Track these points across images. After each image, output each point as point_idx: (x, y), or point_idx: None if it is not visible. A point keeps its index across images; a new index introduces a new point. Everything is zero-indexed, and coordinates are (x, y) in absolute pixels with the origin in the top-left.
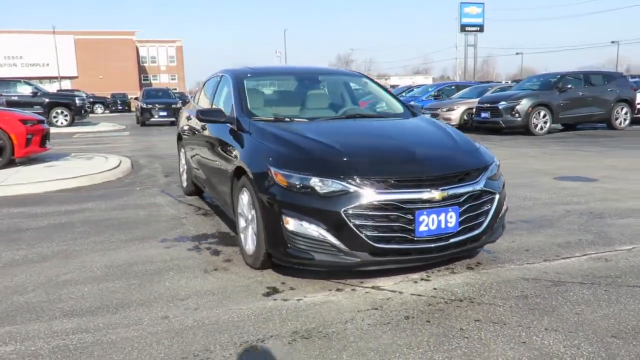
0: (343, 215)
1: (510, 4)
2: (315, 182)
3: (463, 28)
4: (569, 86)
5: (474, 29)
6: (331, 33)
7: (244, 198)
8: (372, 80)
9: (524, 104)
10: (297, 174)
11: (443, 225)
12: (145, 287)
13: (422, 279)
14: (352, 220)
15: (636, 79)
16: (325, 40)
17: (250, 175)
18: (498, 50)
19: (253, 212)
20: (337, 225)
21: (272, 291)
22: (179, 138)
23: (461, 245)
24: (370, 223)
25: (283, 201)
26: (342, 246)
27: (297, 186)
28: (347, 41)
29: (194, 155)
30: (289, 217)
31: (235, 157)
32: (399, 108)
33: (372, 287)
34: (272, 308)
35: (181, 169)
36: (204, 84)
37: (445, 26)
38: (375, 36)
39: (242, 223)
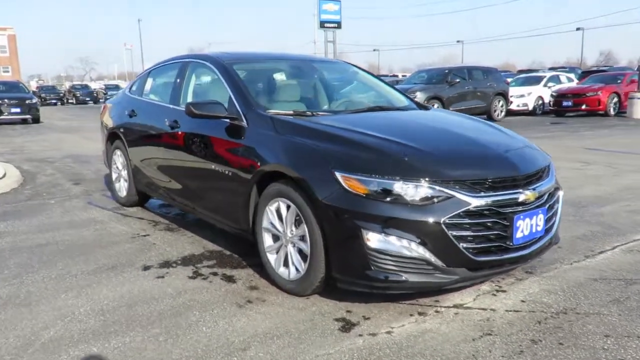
0: (443, 226)
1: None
2: (403, 187)
3: (322, 24)
4: (457, 80)
5: (332, 25)
6: (186, 25)
7: (279, 210)
8: (362, 69)
9: (419, 97)
10: (378, 178)
11: (534, 230)
12: (179, 338)
13: (496, 291)
14: (450, 231)
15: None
16: (180, 32)
17: (301, 182)
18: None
19: (297, 228)
20: (434, 239)
21: (346, 324)
22: (112, 138)
23: (544, 250)
24: (468, 233)
25: (361, 213)
26: (438, 263)
27: (380, 194)
28: (202, 34)
29: (149, 159)
30: (372, 232)
31: (256, 160)
32: (403, 99)
33: (455, 306)
34: (369, 348)
35: (114, 176)
36: (150, 73)
37: (305, 22)
38: (233, 30)
39: (268, 241)
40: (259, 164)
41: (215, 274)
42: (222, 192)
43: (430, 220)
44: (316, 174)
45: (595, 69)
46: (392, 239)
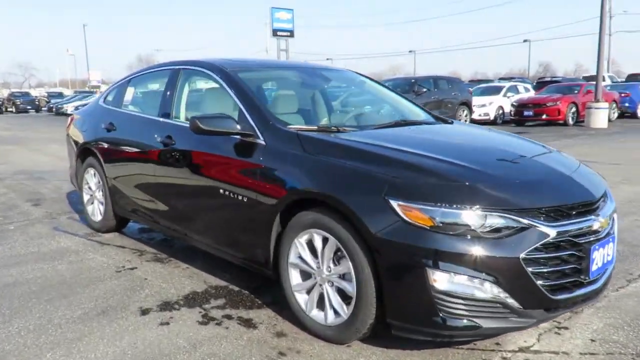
0: (521, 262)
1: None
2: (474, 217)
3: (275, 32)
4: (424, 90)
5: (285, 33)
6: (133, 32)
7: (312, 243)
8: (369, 78)
9: None
10: (444, 207)
11: (605, 260)
12: None
13: (557, 328)
14: (529, 268)
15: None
16: (127, 39)
17: (345, 211)
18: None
19: (337, 264)
20: (511, 277)
21: None
22: (83, 154)
23: (609, 281)
24: (545, 269)
25: (426, 249)
26: (515, 305)
27: (447, 225)
28: (150, 42)
29: (132, 179)
30: (439, 272)
31: (280, 184)
32: (419, 111)
33: (521, 350)
34: None
35: (86, 197)
36: (130, 82)
37: (257, 30)
38: (183, 38)
39: (296, 279)
40: (285, 189)
41: (229, 317)
42: (233, 220)
43: (507, 255)
44: (365, 202)
45: (549, 79)
46: (463, 278)
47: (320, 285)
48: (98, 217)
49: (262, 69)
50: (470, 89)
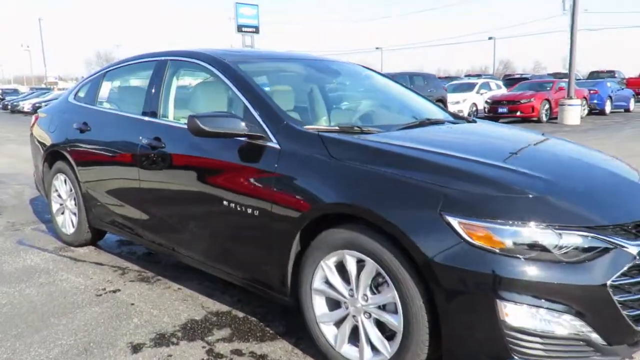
0: (609, 289)
1: (285, 8)
2: (552, 238)
3: (240, 28)
4: None
5: (250, 29)
6: (91, 27)
7: (344, 267)
8: (374, 70)
9: None
10: (516, 225)
11: None
12: None
13: None
14: (616, 296)
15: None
16: (85, 34)
17: (388, 229)
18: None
19: (376, 292)
20: (597, 308)
21: None
22: (52, 158)
23: None
24: (631, 296)
25: (496, 276)
26: (599, 341)
27: (520, 248)
28: (110, 37)
29: (112, 187)
30: (512, 304)
31: (302, 196)
32: (436, 108)
33: None
34: None
35: (55, 207)
36: (106, 75)
37: (222, 25)
38: (144, 32)
39: (321, 308)
40: (309, 202)
41: (239, 352)
42: (238, 236)
43: (592, 282)
44: (416, 218)
45: (518, 76)
46: (541, 312)
47: (354, 316)
48: (70, 229)
49: (263, 60)
50: (444, 85)
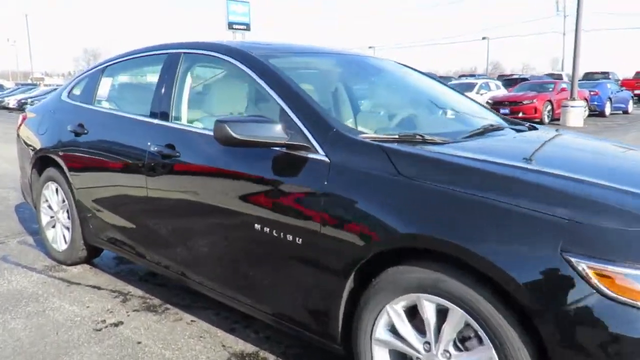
0: None
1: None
2: None
3: (230, 26)
4: None
5: (241, 27)
6: (79, 23)
7: (415, 313)
8: (413, 68)
9: None
10: None
11: None
12: None
13: None
14: None
15: None
16: (73, 30)
17: (486, 270)
18: None
19: (464, 348)
20: None
21: None
22: (42, 164)
23: None
24: None
25: None
26: None
27: None
28: (99, 34)
29: (113, 200)
30: None
31: (360, 223)
32: (489, 112)
33: None
34: None
35: (45, 219)
36: (105, 71)
37: (213, 22)
38: (134, 29)
39: None
40: (370, 231)
41: None
42: (272, 267)
43: None
44: (525, 259)
45: (517, 76)
46: None
47: None
48: (62, 246)
49: (294, 55)
50: None
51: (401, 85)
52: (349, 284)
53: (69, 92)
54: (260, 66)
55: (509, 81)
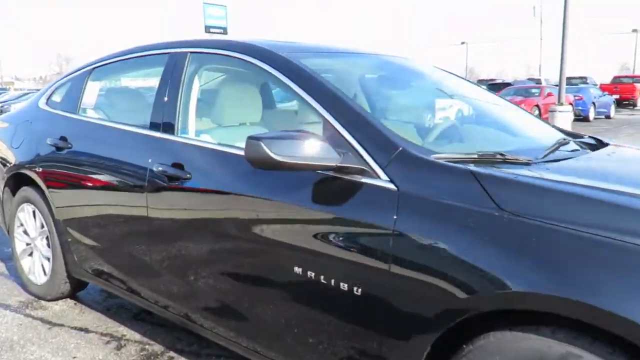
0: None
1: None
2: None
3: (207, 29)
4: None
5: (218, 31)
6: (51, 27)
7: None
8: (447, 71)
9: None
10: None
11: None
12: None
13: None
14: None
15: None
16: (45, 33)
17: None
18: None
19: None
20: None
21: None
22: (15, 183)
23: None
24: None
25: None
26: None
27: None
28: (73, 38)
29: (104, 226)
30: None
31: (451, 277)
32: (541, 122)
33: None
34: None
35: (20, 247)
36: (92, 74)
37: (189, 26)
38: (110, 33)
39: None
40: (464, 287)
41: None
42: (320, 325)
43: None
44: None
45: (500, 81)
46: None
47: None
48: (41, 278)
49: (324, 55)
50: None
51: (448, 92)
52: (426, 353)
53: (48, 99)
54: (293, 69)
55: (492, 86)
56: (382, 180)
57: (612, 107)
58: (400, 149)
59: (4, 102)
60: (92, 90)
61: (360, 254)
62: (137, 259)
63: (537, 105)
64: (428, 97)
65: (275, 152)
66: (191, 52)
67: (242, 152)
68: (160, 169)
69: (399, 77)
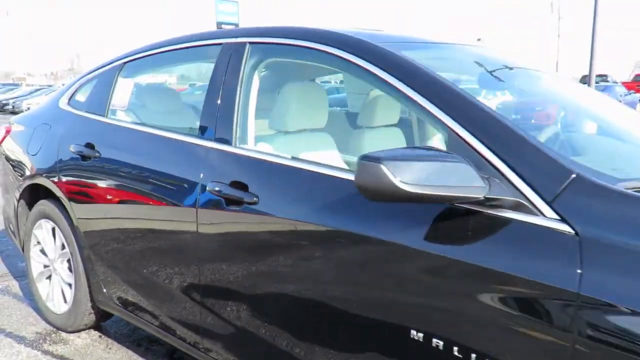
0: None
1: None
2: None
3: (219, 26)
4: None
5: (230, 27)
6: (63, 23)
7: None
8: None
9: None
10: None
11: None
12: None
13: None
14: None
15: None
16: (56, 29)
17: None
18: None
19: None
20: None
21: None
22: (32, 195)
23: None
24: None
25: None
26: None
27: None
28: (82, 35)
29: (134, 249)
30: None
31: None
32: None
33: None
34: None
35: (37, 269)
36: (123, 69)
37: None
38: (119, 30)
39: None
40: None
41: None
42: None
43: None
44: None
45: None
46: None
47: None
48: (61, 307)
49: (422, 48)
50: None
51: (581, 98)
52: None
53: (70, 98)
54: (403, 66)
55: None
56: (548, 219)
57: (638, 106)
58: (574, 175)
59: (16, 98)
60: (124, 89)
61: (521, 327)
62: (178, 294)
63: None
64: (570, 105)
65: (404, 180)
66: (251, 43)
67: (330, 172)
68: (216, 188)
69: (525, 78)
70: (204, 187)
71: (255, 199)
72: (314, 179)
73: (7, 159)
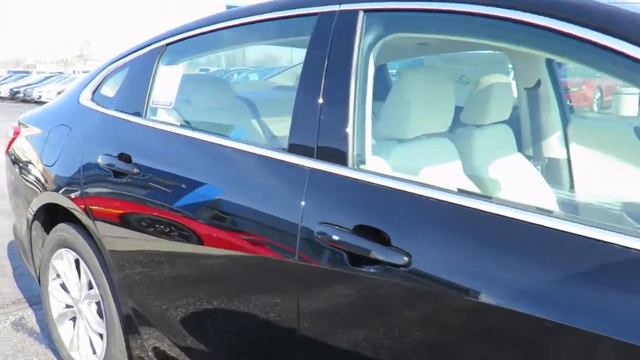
0: None
1: None
2: None
3: (228, 8)
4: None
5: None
6: (69, 11)
7: None
8: None
9: None
10: None
11: None
12: None
13: None
14: None
15: None
16: (62, 17)
17: None
18: None
19: None
20: None
21: None
22: (50, 216)
23: None
24: None
25: None
26: None
27: None
28: (92, 23)
29: (185, 293)
30: None
31: None
32: None
33: None
34: None
35: (57, 309)
36: (164, 51)
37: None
38: (126, 19)
39: None
40: None
41: None
42: None
43: None
44: None
45: None
46: None
47: None
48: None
49: None
50: None
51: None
52: None
53: (94, 92)
54: None
55: None
56: None
57: None
58: None
59: (27, 85)
60: (168, 80)
61: None
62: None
63: (599, 87)
64: None
65: None
66: (366, 10)
67: (528, 217)
68: (333, 236)
69: None
70: (307, 231)
71: (405, 258)
72: (504, 227)
73: (17, 167)
